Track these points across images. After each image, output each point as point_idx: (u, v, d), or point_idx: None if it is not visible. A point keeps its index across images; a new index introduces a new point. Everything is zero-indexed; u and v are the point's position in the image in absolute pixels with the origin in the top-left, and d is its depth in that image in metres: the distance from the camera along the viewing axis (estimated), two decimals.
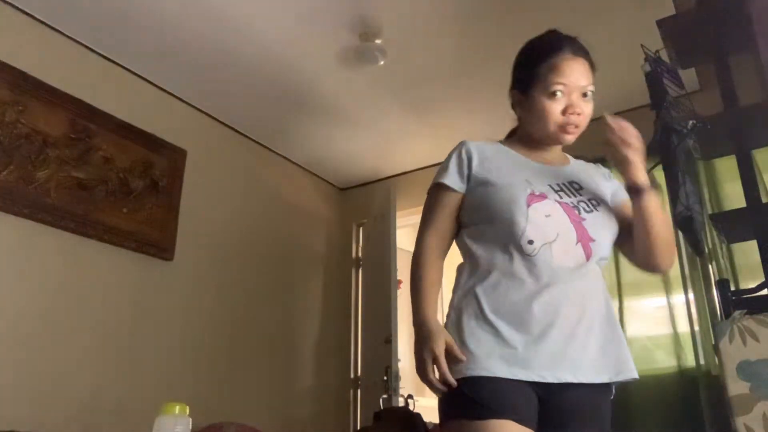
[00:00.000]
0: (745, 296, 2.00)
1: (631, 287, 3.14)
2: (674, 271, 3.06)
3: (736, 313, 1.85)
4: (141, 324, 3.01)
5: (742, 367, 1.75)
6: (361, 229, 4.47)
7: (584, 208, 1.31)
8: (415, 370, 1.25)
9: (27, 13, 2.79)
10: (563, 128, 1.34)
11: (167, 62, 3.18)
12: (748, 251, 2.41)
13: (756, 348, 1.75)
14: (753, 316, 1.81)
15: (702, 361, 2.88)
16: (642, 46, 2.25)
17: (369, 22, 2.89)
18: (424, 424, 2.22)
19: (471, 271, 1.32)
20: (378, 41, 2.98)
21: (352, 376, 4.12)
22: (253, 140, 3.94)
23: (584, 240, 1.28)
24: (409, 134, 3.90)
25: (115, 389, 2.80)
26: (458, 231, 1.40)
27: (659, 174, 2.68)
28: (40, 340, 2.61)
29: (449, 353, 1.20)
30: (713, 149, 2.35)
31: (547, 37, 1.42)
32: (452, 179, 1.38)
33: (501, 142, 1.49)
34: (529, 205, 1.26)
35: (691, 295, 2.98)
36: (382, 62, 3.07)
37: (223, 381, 3.35)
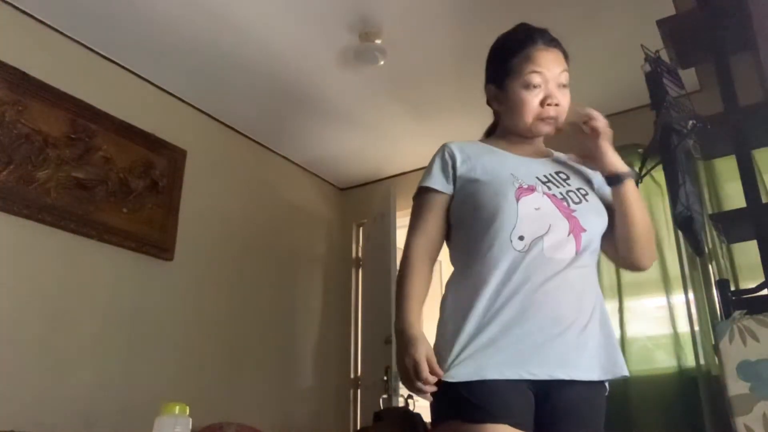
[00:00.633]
0: (745, 296, 2.00)
1: (631, 287, 3.14)
2: (674, 271, 3.07)
3: (736, 313, 1.86)
4: (141, 324, 3.01)
5: (742, 367, 1.75)
6: (361, 229, 4.47)
7: (573, 199, 1.29)
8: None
9: (27, 13, 2.79)
10: (542, 119, 1.33)
11: (167, 62, 3.18)
12: (748, 251, 2.41)
13: (756, 348, 1.75)
14: (753, 316, 1.81)
15: (702, 361, 2.88)
16: (642, 46, 2.25)
17: (369, 22, 2.89)
18: (424, 424, 2.22)
19: (462, 270, 1.31)
20: (378, 41, 2.98)
21: (352, 376, 4.12)
22: (253, 140, 3.94)
23: (576, 231, 1.26)
24: (409, 134, 3.90)
25: (115, 389, 2.80)
26: (448, 233, 1.38)
27: (659, 174, 2.69)
28: (40, 339, 2.61)
29: (429, 362, 1.17)
30: (713, 149, 2.35)
31: (519, 29, 1.44)
32: (437, 181, 1.36)
33: (481, 140, 1.49)
34: (518, 200, 1.25)
35: (691, 295, 2.98)
36: (382, 62, 3.06)
37: (223, 381, 3.35)
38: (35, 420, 2.39)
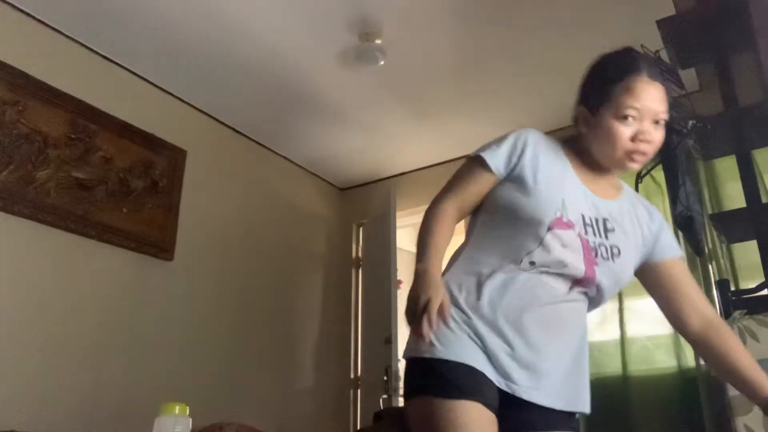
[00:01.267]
0: (745, 296, 2.00)
1: (631, 287, 3.07)
2: None
3: (736, 313, 1.86)
4: (141, 324, 3.01)
5: None
6: (361, 229, 4.47)
7: (602, 254, 1.26)
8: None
9: (27, 13, 2.79)
10: (630, 155, 1.26)
11: (167, 62, 3.18)
12: (748, 251, 2.41)
13: (756, 348, 1.76)
14: (753, 316, 1.82)
15: (702, 361, 2.87)
16: (642, 46, 2.25)
17: (369, 22, 2.89)
18: None
19: (474, 258, 1.30)
20: (378, 41, 2.98)
21: (352, 376, 4.11)
22: (253, 140, 3.94)
23: (587, 280, 1.25)
24: (409, 134, 3.90)
25: (115, 389, 2.80)
26: (475, 211, 1.35)
27: (659, 174, 2.69)
28: (40, 339, 2.61)
29: (443, 306, 1.15)
30: (713, 149, 2.35)
31: (624, 54, 1.32)
32: (498, 161, 1.29)
33: (563, 143, 1.39)
34: (550, 229, 1.22)
35: None
36: (382, 62, 3.06)
37: (223, 381, 3.35)
38: (35, 420, 2.39)
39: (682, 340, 2.93)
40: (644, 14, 2.47)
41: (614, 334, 3.09)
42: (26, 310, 2.59)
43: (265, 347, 3.70)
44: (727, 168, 2.76)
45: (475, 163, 1.32)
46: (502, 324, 1.20)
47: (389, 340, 3.48)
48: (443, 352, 1.18)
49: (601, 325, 3.13)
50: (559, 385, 1.23)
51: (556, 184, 1.28)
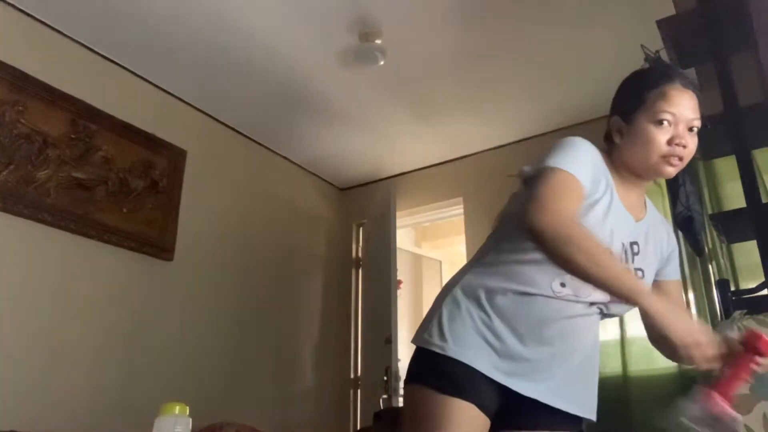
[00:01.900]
0: (745, 296, 2.00)
1: None
2: None
3: (736, 313, 1.86)
4: (141, 324, 3.01)
5: None
6: (361, 229, 4.47)
7: None
8: None
9: (27, 13, 2.79)
10: (666, 159, 1.26)
11: (167, 62, 3.18)
12: (748, 251, 2.41)
13: None
14: (753, 316, 1.81)
15: None
16: (642, 46, 2.25)
17: (369, 22, 2.89)
18: None
19: (499, 259, 1.30)
20: (378, 41, 2.98)
21: (352, 376, 4.12)
22: (253, 140, 3.94)
23: (610, 303, 1.28)
24: (409, 134, 3.90)
25: (115, 389, 2.80)
26: (512, 215, 1.32)
27: None
28: (39, 339, 2.61)
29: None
30: (713, 149, 2.35)
31: (658, 66, 1.37)
32: (583, 173, 1.23)
33: (603, 155, 1.35)
34: None
35: (691, 295, 2.98)
36: (382, 62, 3.06)
37: (223, 381, 3.35)
38: (35, 420, 2.39)
39: None
40: (644, 14, 2.47)
41: (614, 334, 3.09)
42: (26, 310, 2.59)
43: (265, 347, 3.70)
44: (727, 168, 2.76)
45: (560, 175, 1.21)
46: (519, 326, 1.23)
47: (389, 340, 3.48)
48: (453, 351, 1.21)
49: (601, 325, 3.13)
50: (565, 388, 1.26)
51: (607, 211, 1.26)
